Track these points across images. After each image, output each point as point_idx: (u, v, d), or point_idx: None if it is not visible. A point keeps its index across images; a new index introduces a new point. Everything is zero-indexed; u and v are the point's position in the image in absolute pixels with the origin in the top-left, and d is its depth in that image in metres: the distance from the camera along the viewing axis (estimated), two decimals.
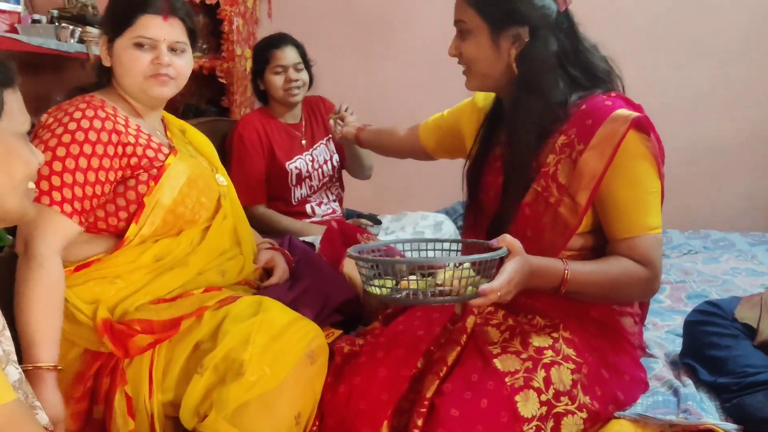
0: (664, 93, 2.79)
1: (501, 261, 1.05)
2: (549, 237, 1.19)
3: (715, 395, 1.24)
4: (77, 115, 1.22)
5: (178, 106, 2.69)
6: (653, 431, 1.14)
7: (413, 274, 1.06)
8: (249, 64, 2.82)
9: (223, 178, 1.46)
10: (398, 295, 1.04)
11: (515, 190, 1.23)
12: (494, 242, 1.07)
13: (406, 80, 3.07)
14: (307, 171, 2.22)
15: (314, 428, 1.17)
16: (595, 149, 1.16)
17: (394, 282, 1.07)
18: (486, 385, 1.09)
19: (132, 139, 1.27)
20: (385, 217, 2.30)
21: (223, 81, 2.79)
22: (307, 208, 2.24)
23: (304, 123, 2.27)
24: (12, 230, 1.28)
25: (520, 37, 1.21)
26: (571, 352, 1.17)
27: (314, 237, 1.86)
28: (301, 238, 1.81)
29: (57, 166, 1.18)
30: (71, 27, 2.23)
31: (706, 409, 1.18)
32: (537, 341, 1.17)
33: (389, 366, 1.16)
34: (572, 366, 1.14)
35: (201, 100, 2.88)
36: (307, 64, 2.22)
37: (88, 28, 2.26)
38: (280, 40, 2.20)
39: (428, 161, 1.70)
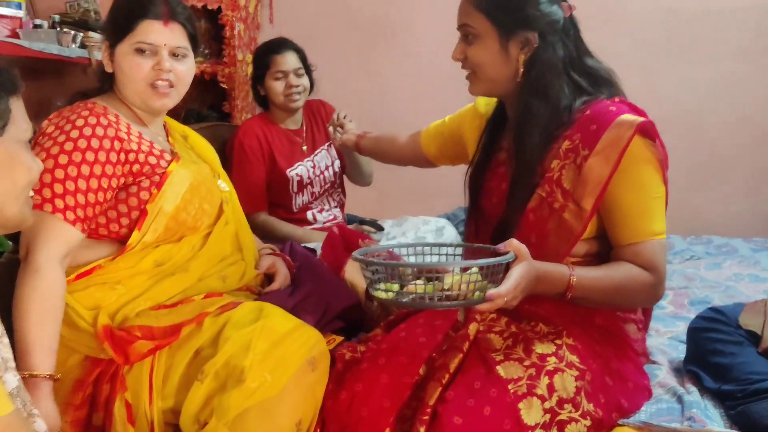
0: (665, 98, 2.79)
1: (507, 266, 1.05)
2: (553, 242, 1.19)
3: (719, 402, 1.23)
4: (79, 122, 1.22)
5: (179, 111, 2.69)
6: None
7: (419, 278, 1.05)
8: (250, 69, 2.82)
9: (225, 184, 1.46)
10: (404, 299, 1.03)
11: (521, 196, 1.23)
12: (501, 247, 1.06)
13: (406, 85, 3.07)
14: (309, 177, 2.21)
15: None
16: (600, 154, 1.16)
17: (399, 286, 1.06)
18: (489, 393, 1.08)
19: (134, 146, 1.27)
20: (386, 222, 2.30)
21: (224, 86, 2.80)
22: (309, 215, 2.23)
23: (305, 128, 2.26)
24: (12, 236, 1.28)
25: (529, 43, 1.21)
26: (574, 359, 1.16)
27: (316, 244, 1.86)
28: (303, 245, 1.80)
29: (59, 173, 1.18)
30: (73, 32, 2.24)
31: (710, 417, 1.17)
32: (540, 348, 1.16)
33: (391, 373, 1.15)
34: (576, 373, 1.14)
35: (202, 105, 2.88)
36: (307, 69, 2.21)
37: (90, 33, 2.26)
38: (280, 45, 2.19)
39: (429, 167, 1.69)
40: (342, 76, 2.99)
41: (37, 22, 2.27)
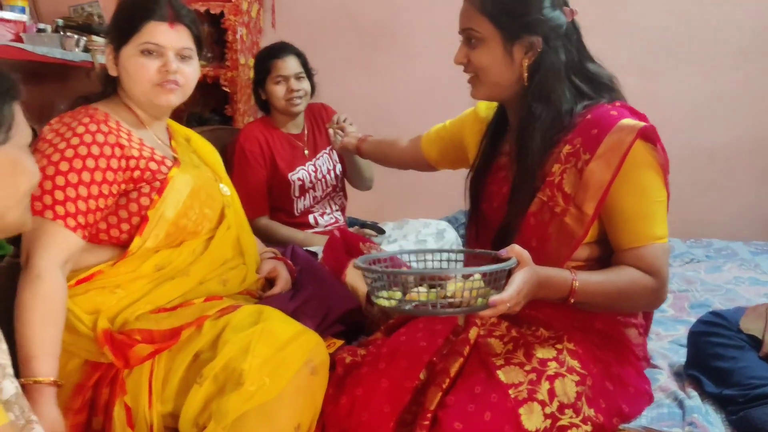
0: (664, 101, 2.78)
1: (509, 271, 1.04)
2: (554, 247, 1.19)
3: (720, 407, 1.22)
4: (80, 129, 1.22)
5: (181, 115, 2.70)
6: None
7: (421, 285, 1.05)
8: (252, 74, 2.83)
9: (227, 188, 1.46)
10: (407, 307, 1.03)
11: (522, 200, 1.23)
12: (503, 252, 1.06)
13: (408, 89, 3.07)
14: (310, 181, 2.21)
15: None
16: (602, 159, 1.16)
17: (401, 293, 1.06)
18: (489, 398, 1.08)
19: (135, 153, 1.27)
20: (386, 225, 2.30)
21: (227, 90, 2.80)
22: (310, 218, 2.23)
23: (306, 132, 2.26)
24: (13, 240, 1.28)
25: (533, 47, 1.21)
26: (575, 363, 1.16)
27: (318, 248, 1.86)
28: (305, 248, 1.80)
29: (60, 180, 1.18)
30: (76, 36, 2.24)
31: (711, 422, 1.16)
32: (541, 353, 1.16)
33: (391, 377, 1.15)
34: (576, 378, 1.13)
35: (205, 109, 2.89)
36: (308, 73, 2.21)
37: (94, 37, 2.27)
38: (280, 49, 2.20)
39: (430, 171, 1.69)
40: (344, 80, 3.00)
41: (41, 26, 2.28)
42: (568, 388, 1.12)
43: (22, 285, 1.13)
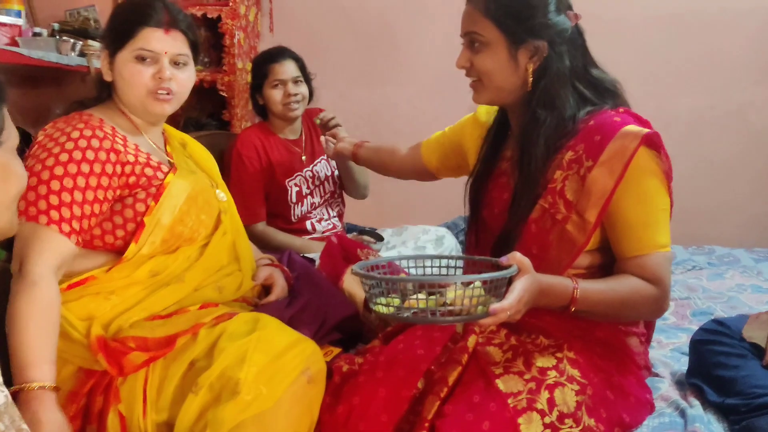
0: (665, 107, 2.78)
1: (510, 279, 1.03)
2: (555, 254, 1.17)
3: (723, 417, 1.21)
4: (75, 134, 1.21)
5: (178, 120, 2.69)
6: None
7: (420, 292, 1.03)
8: (250, 78, 2.82)
9: (223, 194, 1.45)
10: (405, 314, 1.02)
11: (524, 206, 1.21)
12: (504, 260, 1.04)
13: (406, 94, 3.07)
14: (308, 188, 2.20)
15: None
16: (605, 166, 1.14)
17: (400, 300, 1.04)
18: (488, 407, 1.07)
19: (131, 158, 1.26)
20: (385, 231, 2.29)
21: (224, 94, 2.79)
22: (308, 224, 2.22)
23: (304, 138, 2.25)
24: (6, 245, 1.26)
25: (538, 52, 1.20)
26: (575, 372, 1.14)
27: (315, 254, 1.84)
28: (302, 255, 1.79)
29: (55, 185, 1.17)
30: (72, 40, 2.24)
31: (714, 431, 1.15)
32: (540, 361, 1.14)
33: (389, 386, 1.13)
34: (577, 387, 1.12)
35: (202, 114, 2.88)
36: (306, 78, 2.20)
37: (90, 42, 2.26)
38: (278, 53, 2.19)
39: (431, 180, 1.66)
40: (342, 85, 2.99)
41: (37, 30, 2.28)
42: (568, 397, 1.10)
43: (16, 292, 1.12)
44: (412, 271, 1.20)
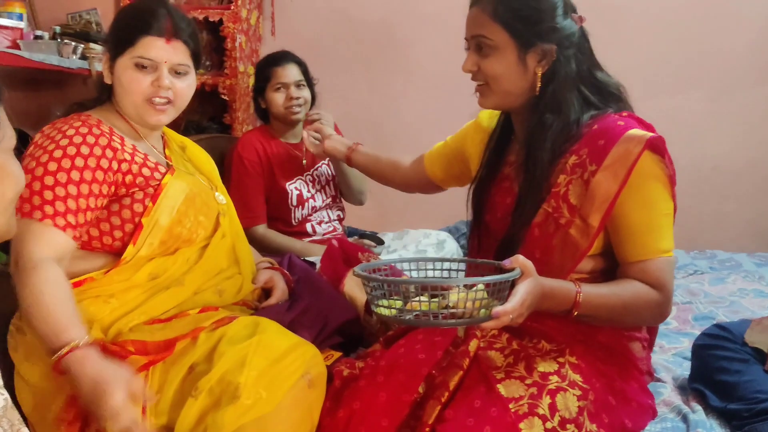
0: (667, 111, 2.78)
1: (512, 282, 1.02)
2: (558, 259, 1.17)
3: (725, 422, 1.20)
4: (70, 132, 1.21)
5: (179, 123, 2.69)
6: None
7: (422, 294, 1.03)
8: (252, 81, 2.82)
9: (222, 197, 1.44)
10: (407, 317, 1.01)
11: (528, 211, 1.21)
12: (507, 262, 1.04)
13: (409, 98, 3.07)
14: (309, 191, 2.20)
15: None
16: (609, 170, 1.14)
17: (402, 303, 1.03)
18: (489, 412, 1.06)
19: (128, 157, 1.26)
20: (386, 235, 2.28)
21: (225, 98, 2.79)
22: (308, 226, 2.21)
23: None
24: (6, 248, 1.26)
25: (546, 55, 1.20)
26: (577, 377, 1.14)
27: (316, 258, 1.84)
28: (302, 258, 1.78)
29: (49, 180, 1.17)
30: (74, 43, 2.24)
31: None
32: (542, 366, 1.14)
33: (390, 391, 1.13)
34: (578, 392, 1.11)
35: (203, 117, 2.88)
36: (309, 82, 2.20)
37: (91, 45, 2.27)
38: (281, 57, 2.19)
39: (437, 192, 1.63)
40: (344, 89, 2.99)
41: (38, 33, 2.28)
42: (569, 402, 1.10)
43: (18, 283, 1.10)
44: (414, 274, 1.19)
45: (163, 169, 1.31)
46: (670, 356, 1.54)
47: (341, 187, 2.26)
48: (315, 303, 1.43)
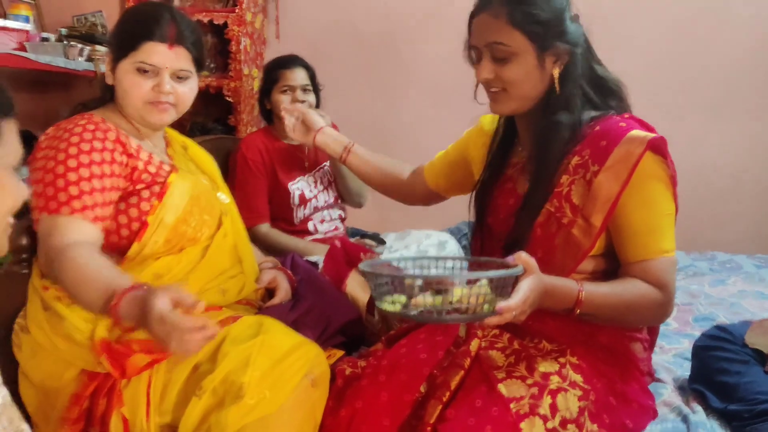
0: (668, 113, 2.78)
1: (515, 279, 1.02)
2: (560, 258, 1.17)
3: (726, 423, 1.21)
4: (77, 130, 1.23)
5: (184, 124, 2.71)
6: None
7: (426, 291, 1.03)
8: (256, 84, 2.84)
9: (225, 196, 1.45)
10: (412, 312, 1.01)
11: (533, 212, 1.21)
12: (510, 259, 1.04)
13: (412, 102, 3.08)
14: (311, 191, 2.21)
15: None
16: (611, 171, 1.15)
17: (406, 299, 1.03)
18: (490, 411, 1.07)
19: (133, 152, 1.28)
20: (388, 236, 2.29)
21: (230, 100, 2.81)
22: (310, 225, 2.22)
23: (308, 145, 2.26)
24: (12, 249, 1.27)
25: (561, 56, 1.20)
26: (578, 378, 1.14)
27: (318, 258, 1.85)
28: (305, 258, 1.79)
29: (72, 176, 1.18)
30: (80, 45, 2.26)
31: None
32: (543, 366, 1.14)
33: (391, 390, 1.13)
34: (579, 393, 1.12)
35: (208, 119, 2.89)
36: (315, 88, 2.22)
37: (97, 47, 2.29)
38: (290, 60, 2.21)
39: (439, 202, 1.60)
40: (347, 93, 3.00)
41: (45, 35, 2.30)
42: (570, 402, 1.10)
43: (58, 269, 1.11)
44: (417, 272, 1.20)
45: (167, 168, 1.32)
46: (671, 357, 1.54)
47: (339, 188, 2.27)
48: (318, 303, 1.43)
